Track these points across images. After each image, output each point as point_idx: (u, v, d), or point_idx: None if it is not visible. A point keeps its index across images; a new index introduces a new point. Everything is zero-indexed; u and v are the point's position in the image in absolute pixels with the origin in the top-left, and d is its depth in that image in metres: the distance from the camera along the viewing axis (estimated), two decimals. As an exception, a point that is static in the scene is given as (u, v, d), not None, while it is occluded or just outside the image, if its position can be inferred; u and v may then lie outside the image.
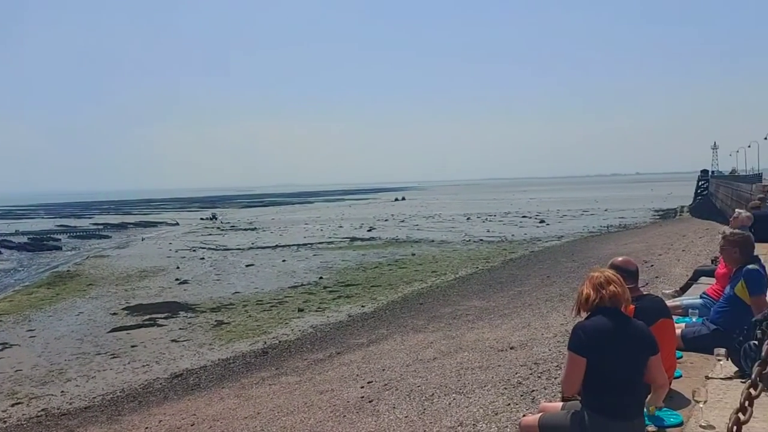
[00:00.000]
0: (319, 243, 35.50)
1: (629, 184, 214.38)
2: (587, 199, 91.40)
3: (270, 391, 8.94)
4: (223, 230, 50.30)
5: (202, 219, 66.75)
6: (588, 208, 64.39)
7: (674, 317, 5.90)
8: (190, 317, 16.59)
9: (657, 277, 21.93)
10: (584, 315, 3.25)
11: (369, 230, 43.10)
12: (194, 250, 34.05)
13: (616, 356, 3.03)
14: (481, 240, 34.23)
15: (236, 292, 20.02)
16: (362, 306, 16.72)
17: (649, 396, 3.26)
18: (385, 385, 7.64)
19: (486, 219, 52.71)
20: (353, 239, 37.12)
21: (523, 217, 54.21)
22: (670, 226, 42.95)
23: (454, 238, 35.98)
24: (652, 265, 24.42)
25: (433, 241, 34.51)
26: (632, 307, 3.75)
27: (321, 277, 22.17)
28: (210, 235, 45.81)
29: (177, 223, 59.92)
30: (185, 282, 22.66)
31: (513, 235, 36.89)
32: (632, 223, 45.70)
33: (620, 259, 4.12)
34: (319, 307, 16.89)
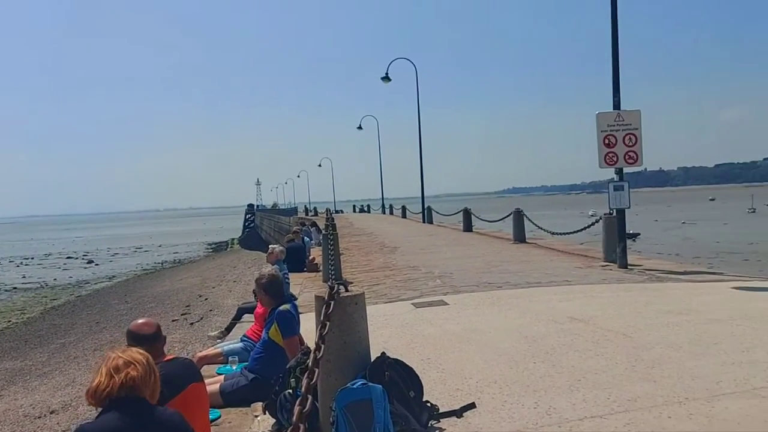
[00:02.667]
0: None
1: (183, 219, 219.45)
2: (140, 235, 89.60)
3: None
4: None
5: None
6: (142, 245, 62.99)
7: (217, 366, 5.53)
8: None
9: (211, 310, 22.29)
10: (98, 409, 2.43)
11: None
12: None
13: None
14: (15, 288, 29.53)
15: None
16: None
17: None
18: None
19: (21, 263, 45.84)
20: None
21: (68, 258, 49.31)
22: (222, 258, 45.07)
23: (-23, 289, 29.96)
24: (206, 299, 24.84)
25: (-55, 295, 27.93)
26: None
27: None
28: None
29: None
30: None
31: (56, 279, 33.12)
32: (187, 258, 46.42)
33: (140, 321, 3.42)
34: None
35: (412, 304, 7.50)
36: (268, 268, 5.04)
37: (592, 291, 7.78)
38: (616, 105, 10.04)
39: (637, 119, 10.04)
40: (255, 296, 8.25)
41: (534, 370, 4.47)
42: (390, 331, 6.05)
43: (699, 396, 3.72)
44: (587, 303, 6.88)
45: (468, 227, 21.41)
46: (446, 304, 7.33)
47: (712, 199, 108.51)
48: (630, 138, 9.96)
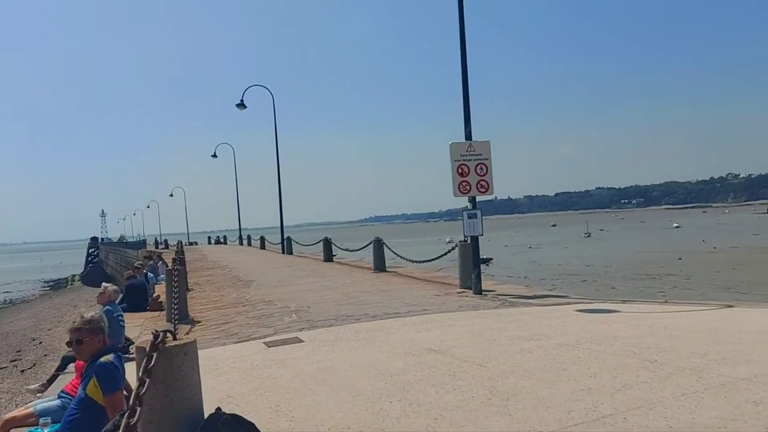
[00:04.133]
0: None
1: (16, 255, 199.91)
2: (-36, 273, 79.55)
3: None
4: None
5: None
6: (-36, 285, 55.73)
7: (28, 428, 4.68)
8: None
9: (46, 355, 20.07)
10: None
11: None
12: None
13: None
14: None
15: None
16: None
17: None
18: None
19: None
20: None
21: None
22: (61, 296, 41.20)
23: None
24: (41, 342, 22.37)
25: None
26: None
27: None
28: None
29: None
30: None
31: None
32: (19, 298, 42.20)
33: None
34: None
35: (264, 342, 6.99)
36: (90, 312, 4.36)
37: (449, 319, 7.76)
38: (468, 136, 10.33)
39: (487, 150, 10.39)
40: (68, 345, 7.33)
41: (390, 410, 4.20)
42: (237, 375, 5.52)
43: (552, 428, 3.64)
44: (444, 333, 6.81)
45: (329, 257, 21.14)
46: (301, 341, 6.92)
47: (554, 225, 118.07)
48: (481, 167, 10.27)
